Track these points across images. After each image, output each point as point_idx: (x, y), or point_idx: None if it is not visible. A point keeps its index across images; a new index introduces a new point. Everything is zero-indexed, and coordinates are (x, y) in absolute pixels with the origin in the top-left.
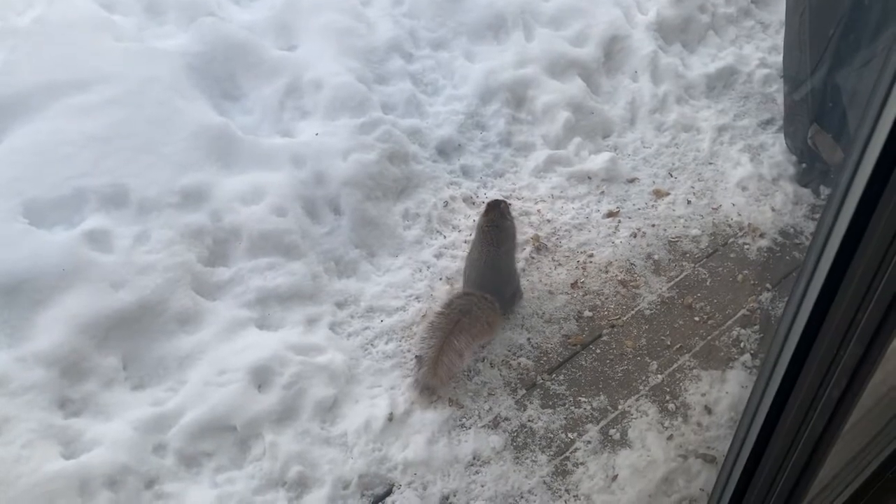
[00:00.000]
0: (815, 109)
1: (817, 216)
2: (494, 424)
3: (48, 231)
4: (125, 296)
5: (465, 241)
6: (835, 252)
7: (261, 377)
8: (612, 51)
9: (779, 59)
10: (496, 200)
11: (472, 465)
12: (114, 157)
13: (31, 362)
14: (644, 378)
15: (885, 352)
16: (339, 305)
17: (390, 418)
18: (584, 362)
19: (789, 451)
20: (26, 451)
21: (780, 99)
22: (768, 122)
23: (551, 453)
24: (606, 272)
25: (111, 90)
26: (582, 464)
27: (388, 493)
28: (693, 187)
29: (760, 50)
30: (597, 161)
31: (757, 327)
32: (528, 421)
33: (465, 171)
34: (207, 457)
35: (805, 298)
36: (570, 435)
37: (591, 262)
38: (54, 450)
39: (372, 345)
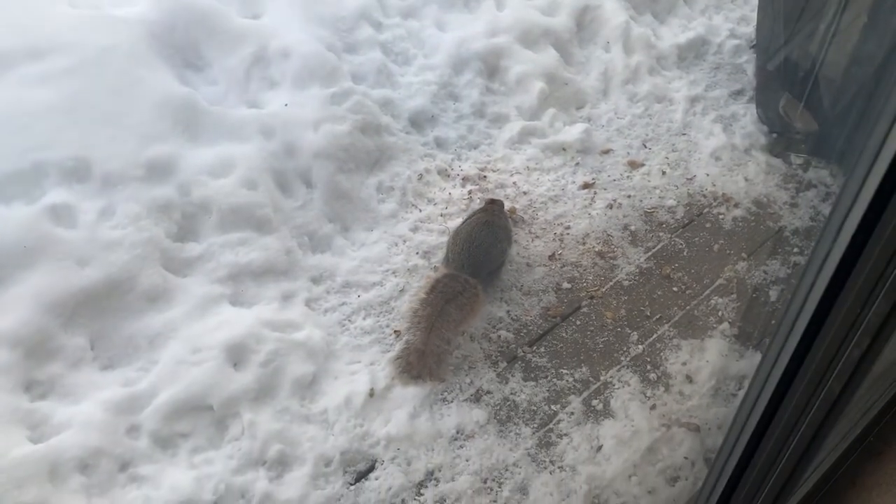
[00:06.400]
0: (788, 79)
1: (789, 185)
2: (476, 398)
3: (6, 206)
4: (91, 273)
5: (441, 215)
6: (858, 220)
7: (236, 355)
8: (584, 21)
9: (748, 29)
10: (494, 199)
11: (455, 439)
12: (74, 129)
13: None
14: (625, 349)
15: None
16: (315, 281)
17: (371, 394)
18: (564, 334)
19: (790, 434)
20: None
21: (750, 69)
22: (739, 93)
23: (535, 426)
24: (584, 244)
25: (68, 59)
26: (566, 435)
27: (371, 469)
28: (667, 158)
29: (730, 20)
30: (571, 132)
31: (734, 296)
32: (511, 394)
33: (439, 143)
34: (183, 437)
35: (812, 290)
36: (553, 407)
37: (568, 233)
38: (21, 434)
39: (350, 320)
